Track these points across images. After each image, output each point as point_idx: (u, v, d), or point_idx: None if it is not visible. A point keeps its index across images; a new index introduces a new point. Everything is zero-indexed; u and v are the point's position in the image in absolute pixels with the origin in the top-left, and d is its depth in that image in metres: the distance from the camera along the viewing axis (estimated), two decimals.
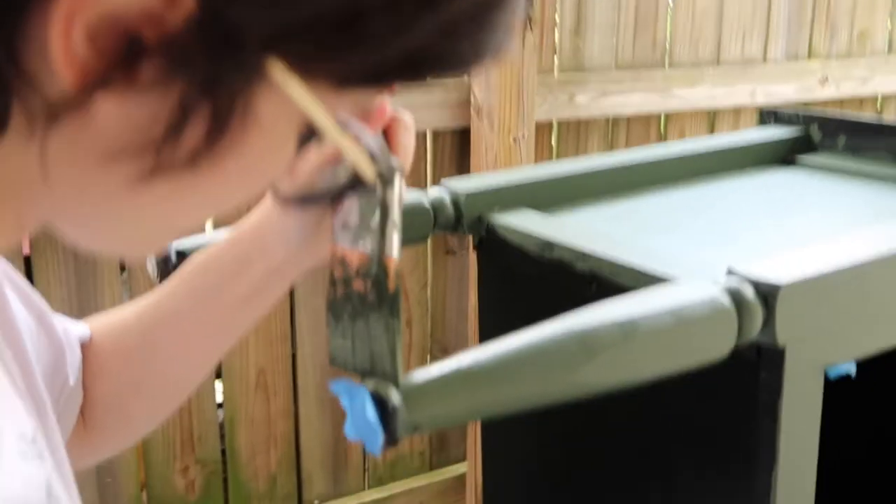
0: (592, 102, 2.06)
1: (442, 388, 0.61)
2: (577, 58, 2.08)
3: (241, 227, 0.73)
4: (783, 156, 1.29)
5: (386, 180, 0.60)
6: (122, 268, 1.71)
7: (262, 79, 0.39)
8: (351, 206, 0.62)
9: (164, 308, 0.75)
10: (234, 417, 1.85)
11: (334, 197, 0.62)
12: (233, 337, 0.77)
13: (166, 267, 0.88)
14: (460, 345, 2.07)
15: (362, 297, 0.60)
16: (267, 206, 0.72)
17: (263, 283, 0.72)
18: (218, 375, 1.85)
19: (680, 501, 0.91)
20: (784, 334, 0.75)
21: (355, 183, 0.61)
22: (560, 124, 2.08)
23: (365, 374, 0.60)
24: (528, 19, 1.80)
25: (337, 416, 1.96)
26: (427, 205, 0.98)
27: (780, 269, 0.76)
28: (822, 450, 0.82)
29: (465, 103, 1.89)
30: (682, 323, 0.69)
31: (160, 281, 0.90)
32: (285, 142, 0.45)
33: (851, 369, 0.82)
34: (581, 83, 2.06)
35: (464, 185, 1.03)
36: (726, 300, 0.72)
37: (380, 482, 2.05)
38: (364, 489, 2.04)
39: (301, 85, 0.40)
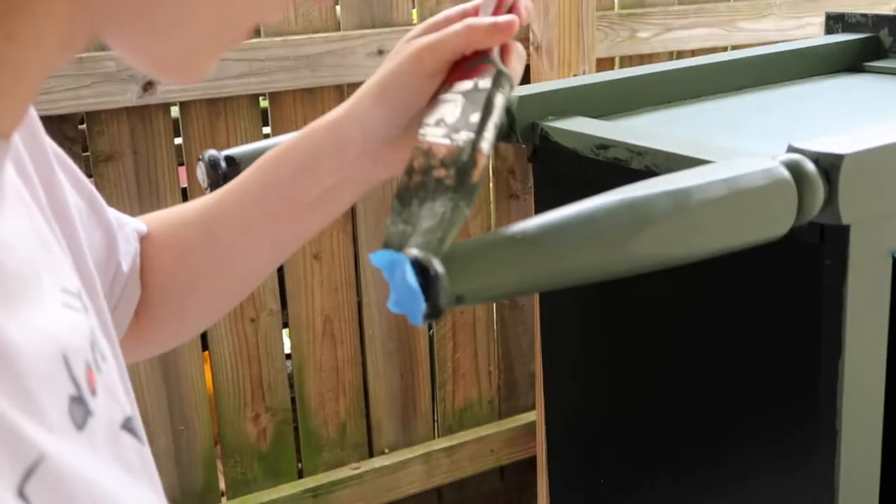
0: (655, 38, 2.03)
1: (487, 257, 0.59)
2: None
3: (315, 125, 0.73)
4: (852, 62, 1.24)
5: (499, 81, 0.64)
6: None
7: None
8: (451, 105, 0.64)
9: (230, 202, 0.75)
10: (302, 365, 1.87)
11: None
12: (297, 239, 0.77)
13: (216, 173, 0.89)
14: None
15: (440, 182, 0.60)
16: (343, 107, 0.72)
17: (333, 186, 0.72)
18: (285, 325, 1.87)
19: (744, 401, 0.89)
20: (848, 213, 0.72)
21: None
22: (622, 60, 2.05)
23: (418, 254, 0.59)
24: None
25: (404, 364, 1.97)
26: None
27: (844, 143, 0.73)
28: (892, 338, 0.80)
29: (524, 40, 1.87)
30: (737, 194, 0.67)
31: (210, 189, 0.90)
32: None
33: None
34: (643, 18, 2.02)
35: (516, 92, 1.01)
36: (784, 172, 0.69)
37: (449, 431, 2.06)
38: (433, 438, 2.05)
39: None
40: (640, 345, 1.04)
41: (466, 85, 0.66)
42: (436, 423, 2.06)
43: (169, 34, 0.46)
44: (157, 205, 1.65)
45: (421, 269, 0.58)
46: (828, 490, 0.79)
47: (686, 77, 1.13)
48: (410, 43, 0.70)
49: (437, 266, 0.58)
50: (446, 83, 0.68)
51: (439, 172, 0.60)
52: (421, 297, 0.58)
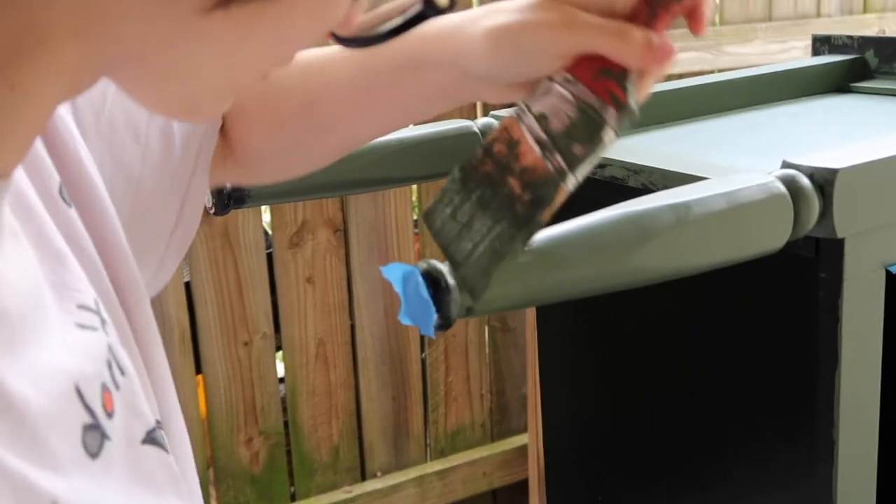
0: None
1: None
2: None
3: (425, 37, 0.65)
4: (838, 83, 1.27)
5: (620, 121, 0.55)
6: None
7: None
8: (562, 109, 0.56)
9: (331, 75, 0.72)
10: (295, 389, 1.87)
11: (402, 28, 0.53)
12: (399, 123, 0.76)
13: (220, 194, 0.90)
14: (517, 313, 2.07)
15: (510, 198, 0.55)
16: (454, 35, 0.64)
17: (445, 84, 0.66)
18: (278, 348, 1.87)
19: (741, 414, 0.90)
20: (843, 226, 0.74)
21: (426, 9, 0.51)
22: None
23: (451, 262, 0.57)
24: None
25: (397, 387, 1.98)
26: (476, 129, 0.98)
27: (837, 158, 0.75)
28: (887, 349, 0.81)
29: None
30: (735, 208, 0.69)
31: (215, 213, 0.92)
32: None
33: None
34: None
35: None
36: (780, 187, 0.71)
37: (441, 454, 2.06)
38: (426, 461, 2.05)
39: None
40: (636, 360, 1.05)
41: (587, 97, 0.57)
42: (428, 446, 2.06)
43: (176, 82, 0.46)
44: None
45: (433, 281, 0.59)
46: (827, 499, 0.80)
47: (678, 98, 1.15)
48: (553, 9, 0.59)
49: (449, 279, 0.59)
50: (568, 70, 0.58)
51: (515, 185, 0.55)
52: (433, 308, 0.60)
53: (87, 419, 0.44)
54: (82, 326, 0.48)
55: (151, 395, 0.55)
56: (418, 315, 0.61)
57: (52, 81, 0.41)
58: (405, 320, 0.62)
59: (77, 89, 0.44)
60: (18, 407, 0.39)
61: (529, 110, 0.57)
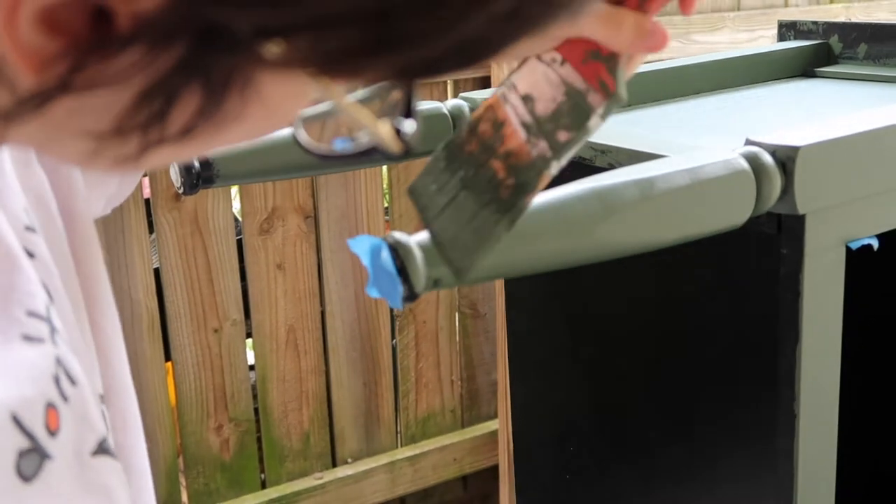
0: None
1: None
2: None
3: None
4: (802, 68, 1.29)
5: (608, 108, 0.54)
6: (151, 229, 1.74)
7: (262, 62, 0.34)
8: (549, 91, 0.55)
9: None
10: (265, 375, 1.87)
11: (354, 157, 0.52)
12: None
13: (189, 174, 0.90)
14: (488, 299, 2.08)
15: (494, 184, 0.54)
16: None
17: None
18: (249, 335, 1.87)
19: (706, 387, 0.91)
20: (804, 203, 0.76)
21: (377, 149, 0.50)
22: None
23: (435, 240, 0.56)
24: None
25: (367, 373, 1.98)
26: (445, 111, 0.99)
27: (799, 136, 0.76)
28: (847, 325, 0.83)
29: None
30: (698, 183, 0.70)
31: (184, 192, 0.92)
32: (289, 110, 0.42)
33: (874, 242, 0.82)
34: None
35: (482, 95, 1.04)
36: (743, 163, 0.73)
37: (412, 440, 2.07)
38: (396, 447, 2.05)
39: (315, 75, 0.36)
40: (604, 343, 1.07)
41: (575, 81, 0.55)
42: (399, 433, 2.07)
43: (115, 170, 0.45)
44: (120, 215, 1.66)
45: (399, 253, 0.60)
46: (788, 471, 0.82)
47: (647, 81, 1.17)
48: None
49: (416, 250, 0.60)
50: (557, 51, 0.56)
51: (499, 168, 0.54)
52: (399, 281, 0.60)
53: (25, 444, 0.43)
54: (29, 339, 0.47)
55: (96, 364, 0.54)
56: (385, 287, 0.62)
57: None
58: (372, 293, 0.63)
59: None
60: None
61: (515, 89, 0.56)
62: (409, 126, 0.51)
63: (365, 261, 0.62)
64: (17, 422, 0.43)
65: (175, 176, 0.89)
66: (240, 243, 1.81)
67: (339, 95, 0.40)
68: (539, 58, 0.57)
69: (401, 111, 0.48)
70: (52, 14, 0.31)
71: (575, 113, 0.54)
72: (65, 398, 0.47)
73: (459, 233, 0.55)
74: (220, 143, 0.40)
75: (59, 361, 0.48)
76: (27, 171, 0.52)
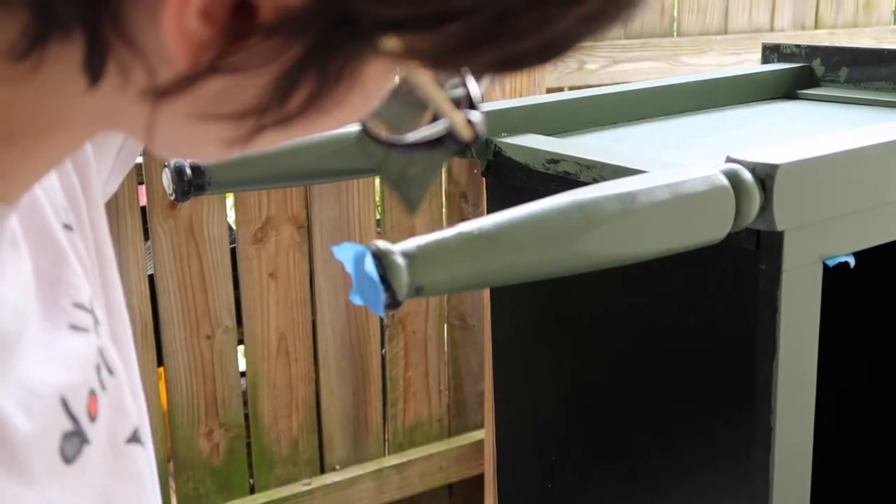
0: (602, 70, 2.08)
1: (446, 251, 0.61)
2: None
3: None
4: (785, 90, 1.29)
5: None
6: (146, 236, 1.73)
7: (376, 51, 0.36)
8: None
9: None
10: (256, 382, 1.86)
11: (427, 145, 0.56)
12: None
13: (181, 180, 0.90)
14: (476, 311, 2.08)
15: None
16: None
17: None
18: (240, 342, 1.86)
19: (685, 400, 0.91)
20: (783, 220, 0.76)
21: (449, 136, 0.59)
22: (571, 91, 2.09)
23: (389, 181, 0.59)
24: None
25: (357, 381, 1.97)
26: None
27: (779, 154, 0.76)
28: (823, 341, 0.82)
29: None
30: (678, 198, 0.70)
31: (175, 198, 0.91)
32: (381, 95, 0.44)
33: (850, 259, 0.82)
34: (591, 50, 2.07)
35: None
36: (723, 180, 0.73)
37: (399, 448, 2.06)
38: (384, 454, 2.04)
39: (421, 66, 0.38)
40: (586, 355, 1.06)
41: None
42: (386, 441, 2.06)
43: (194, 152, 0.45)
44: (116, 222, 1.65)
45: (382, 260, 0.59)
46: (764, 483, 0.81)
47: (632, 100, 1.17)
48: None
49: (398, 258, 0.60)
50: None
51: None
52: (381, 287, 0.60)
53: (69, 427, 0.44)
54: (75, 328, 0.48)
55: (134, 395, 0.55)
56: (368, 294, 0.61)
57: (65, 142, 0.42)
58: (356, 299, 0.63)
59: (89, 139, 0.46)
60: (2, 427, 0.40)
61: None
62: (476, 116, 0.54)
63: (349, 268, 0.62)
64: (65, 405, 0.44)
65: (167, 182, 0.89)
66: (233, 252, 1.81)
67: (427, 84, 0.42)
68: (476, 139, 0.63)
69: (467, 103, 0.51)
70: (210, 7, 0.34)
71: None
72: (104, 387, 0.49)
73: (408, 168, 0.58)
74: (316, 130, 0.42)
75: (101, 352, 0.49)
76: (64, 173, 0.53)
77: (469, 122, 0.55)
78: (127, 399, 0.51)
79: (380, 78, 0.40)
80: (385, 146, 0.60)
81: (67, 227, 0.52)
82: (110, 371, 0.50)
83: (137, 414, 0.54)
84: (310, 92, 0.37)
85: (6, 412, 0.40)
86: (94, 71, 0.37)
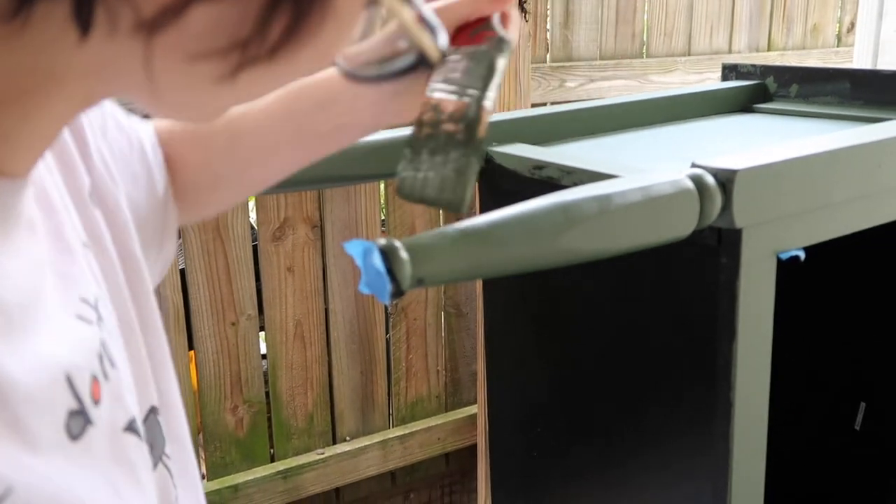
0: (580, 87, 2.07)
1: (444, 246, 0.61)
2: (566, 49, 2.08)
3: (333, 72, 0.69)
4: (742, 104, 1.29)
5: (500, 46, 0.61)
6: (178, 235, 1.72)
7: None
8: (457, 65, 0.61)
9: (253, 118, 0.72)
10: (275, 363, 1.86)
11: (399, 74, 0.59)
12: (311, 158, 0.74)
13: None
14: (469, 300, 2.07)
15: (450, 136, 0.58)
16: None
17: (343, 124, 0.70)
18: (262, 328, 1.86)
19: (656, 379, 0.91)
20: (741, 218, 0.75)
21: (420, 62, 0.58)
22: (552, 106, 2.08)
23: (430, 200, 0.58)
24: (525, 13, 1.81)
25: (364, 363, 1.97)
26: None
27: (738, 161, 0.76)
28: (777, 325, 0.82)
29: None
30: (649, 200, 0.70)
31: None
32: (354, 23, 0.42)
33: (801, 254, 0.82)
34: (570, 70, 2.06)
35: None
36: (689, 183, 0.72)
37: (402, 421, 2.06)
38: (388, 427, 2.04)
39: None
40: (568, 339, 1.06)
41: (471, 49, 0.62)
42: (391, 415, 2.06)
43: (191, 107, 0.44)
44: None
45: (388, 255, 0.59)
46: (724, 452, 0.81)
47: (607, 113, 1.16)
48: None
49: (402, 253, 0.59)
50: (452, 45, 0.64)
51: (448, 126, 0.58)
52: (387, 278, 0.59)
53: (74, 405, 0.42)
54: (81, 318, 0.47)
55: (151, 379, 0.54)
56: (375, 285, 0.61)
57: (62, 104, 0.39)
58: (364, 290, 0.62)
59: (88, 106, 0.42)
60: (3, 388, 0.37)
61: (435, 82, 0.60)
62: (442, 37, 0.54)
63: (358, 261, 0.61)
64: (70, 383, 0.42)
65: None
66: (255, 248, 1.80)
67: (394, 4, 0.42)
68: (444, 57, 0.62)
69: (426, 26, 0.52)
70: None
71: (481, 62, 0.60)
72: (106, 376, 0.47)
73: (444, 178, 0.57)
74: (296, 68, 0.41)
75: (103, 344, 0.47)
76: (84, 207, 0.52)
77: (433, 32, 0.56)
78: (126, 393, 0.49)
79: (351, 4, 0.39)
80: (360, 79, 0.59)
81: (86, 245, 0.51)
82: (112, 364, 0.48)
83: (155, 399, 0.53)
84: (288, 21, 0.36)
85: (14, 378, 0.38)
86: (83, 20, 0.34)
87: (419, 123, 0.59)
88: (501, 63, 0.60)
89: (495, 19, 0.64)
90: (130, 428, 0.49)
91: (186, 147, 0.71)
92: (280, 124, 0.71)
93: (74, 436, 0.42)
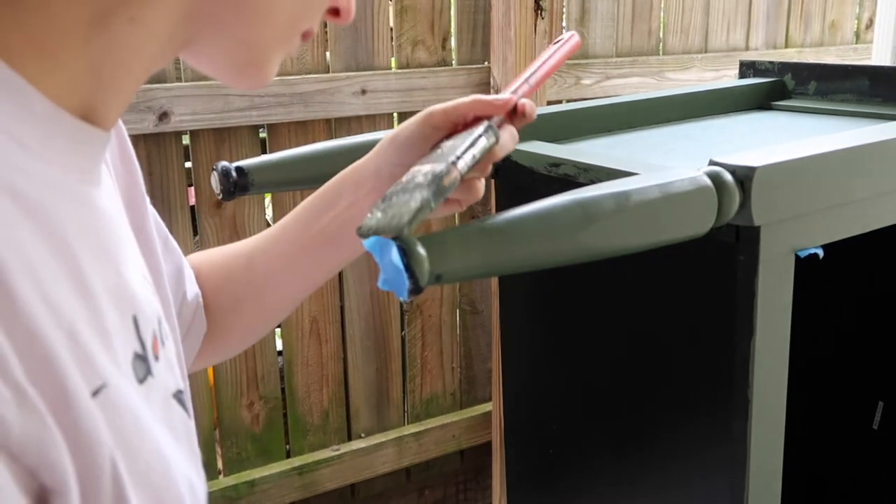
0: (596, 84, 2.07)
1: (462, 243, 0.61)
2: (582, 46, 2.08)
3: (341, 173, 0.76)
4: (760, 102, 1.28)
5: (486, 130, 0.66)
6: (195, 231, 1.73)
7: None
8: (442, 148, 0.66)
9: (269, 235, 0.76)
10: (291, 360, 1.87)
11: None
12: (320, 270, 0.76)
13: (227, 181, 0.90)
14: (484, 298, 2.08)
15: (417, 183, 0.61)
16: (367, 154, 0.75)
17: (349, 219, 0.73)
18: (278, 325, 1.86)
19: (672, 376, 0.91)
20: (759, 216, 0.75)
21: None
22: (569, 103, 2.08)
23: (380, 230, 0.59)
24: (541, 9, 1.81)
25: (380, 360, 1.98)
26: None
27: (757, 158, 0.75)
28: (795, 322, 0.82)
29: (486, 85, 1.89)
30: (667, 197, 0.69)
31: (223, 197, 0.91)
32: None
33: (819, 251, 0.81)
34: (586, 68, 2.06)
35: None
36: (707, 180, 0.72)
37: (417, 418, 2.06)
38: (403, 424, 2.05)
39: None
40: (584, 337, 1.06)
41: (462, 132, 0.68)
42: (406, 412, 2.06)
43: (250, 25, 0.47)
44: (168, 220, 1.65)
45: (406, 252, 0.59)
46: (742, 449, 0.81)
47: (624, 110, 1.16)
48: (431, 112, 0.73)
49: (420, 249, 0.59)
50: (447, 137, 0.70)
51: (419, 178, 0.61)
52: (405, 275, 0.59)
53: (138, 348, 0.44)
54: (146, 280, 0.50)
55: (180, 367, 0.55)
56: (394, 282, 0.61)
57: (161, 21, 0.43)
58: (383, 286, 0.62)
59: (171, 46, 0.46)
60: (97, 300, 0.40)
61: (419, 163, 0.66)
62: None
63: (377, 258, 0.62)
64: (136, 325, 0.44)
65: (216, 184, 0.89)
66: None
67: None
68: (435, 144, 0.70)
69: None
70: None
71: (465, 138, 0.65)
72: (163, 342, 0.49)
73: (397, 213, 0.59)
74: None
75: (158, 316, 0.50)
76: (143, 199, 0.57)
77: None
78: (175, 365, 0.52)
79: None
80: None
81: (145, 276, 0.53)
82: (166, 334, 0.50)
83: (183, 382, 0.54)
84: None
85: (97, 287, 0.40)
86: None
87: (396, 184, 0.62)
88: (483, 141, 0.65)
89: (494, 120, 0.70)
90: (178, 398, 0.51)
91: (209, 271, 0.75)
92: (292, 234, 0.75)
93: (139, 379, 0.44)
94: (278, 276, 0.75)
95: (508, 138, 0.71)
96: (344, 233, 0.74)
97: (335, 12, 0.55)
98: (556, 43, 0.81)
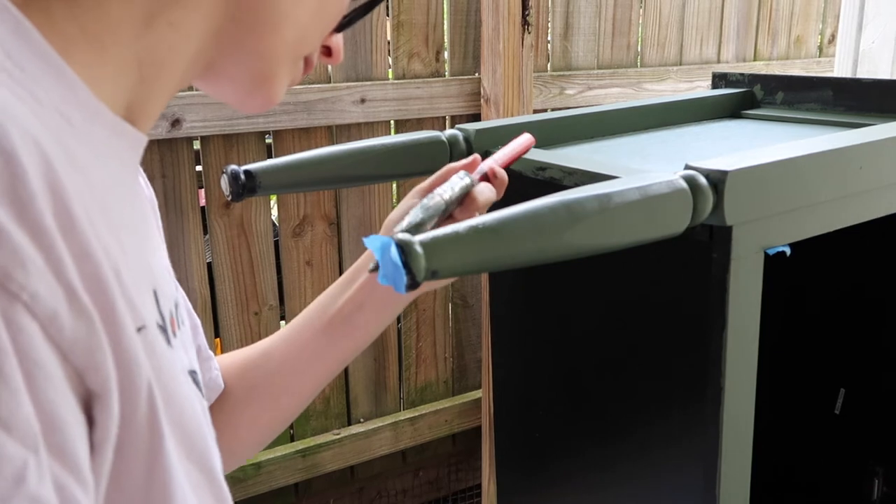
0: (579, 94, 2.07)
1: (455, 241, 0.61)
2: (565, 58, 2.08)
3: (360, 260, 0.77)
4: (731, 111, 1.28)
5: (462, 176, 0.73)
6: (205, 231, 1.73)
7: None
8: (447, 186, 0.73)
9: (288, 327, 0.75)
10: None
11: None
12: (332, 359, 0.74)
13: (236, 183, 0.89)
14: (475, 292, 2.07)
15: (411, 205, 0.71)
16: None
17: (362, 303, 0.72)
18: (282, 317, 1.86)
19: (651, 364, 0.91)
20: (731, 216, 0.75)
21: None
22: (553, 112, 2.08)
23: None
24: (527, 24, 1.80)
25: (377, 350, 1.97)
26: (444, 139, 0.98)
27: (729, 162, 0.76)
28: (764, 315, 0.82)
29: (476, 94, 1.89)
30: (646, 199, 0.69)
31: (232, 199, 0.91)
32: None
33: (787, 249, 0.81)
34: (569, 79, 2.06)
35: (473, 126, 1.03)
36: (683, 184, 0.72)
37: (412, 404, 2.06)
38: (399, 410, 2.04)
39: None
40: (568, 328, 1.06)
41: (468, 179, 0.75)
42: (402, 399, 2.06)
43: (270, 34, 0.47)
44: (180, 220, 1.65)
45: (404, 249, 0.59)
46: (714, 433, 0.81)
47: (605, 119, 1.16)
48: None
49: (417, 247, 0.59)
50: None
51: (414, 207, 0.70)
52: (403, 271, 0.59)
53: (159, 319, 0.43)
54: (168, 272, 0.49)
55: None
56: (392, 277, 0.61)
57: (197, 24, 0.43)
58: (383, 281, 0.62)
59: (201, 61, 0.45)
60: (130, 260, 0.39)
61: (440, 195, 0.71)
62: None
63: (377, 255, 0.62)
64: (156, 298, 0.43)
65: (225, 186, 0.88)
66: (276, 244, 1.80)
67: None
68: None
69: None
70: None
71: (448, 182, 0.72)
72: (179, 324, 0.48)
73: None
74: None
75: (176, 302, 0.49)
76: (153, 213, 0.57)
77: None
78: (190, 347, 0.51)
79: None
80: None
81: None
82: (182, 320, 0.50)
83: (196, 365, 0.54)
84: None
85: (135, 269, 0.40)
86: None
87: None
88: (458, 181, 0.72)
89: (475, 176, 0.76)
90: (193, 377, 0.50)
91: (229, 363, 0.74)
92: (309, 320, 0.73)
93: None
94: (292, 361, 0.72)
95: (485, 187, 0.75)
96: (359, 314, 0.72)
97: (328, 52, 0.55)
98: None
